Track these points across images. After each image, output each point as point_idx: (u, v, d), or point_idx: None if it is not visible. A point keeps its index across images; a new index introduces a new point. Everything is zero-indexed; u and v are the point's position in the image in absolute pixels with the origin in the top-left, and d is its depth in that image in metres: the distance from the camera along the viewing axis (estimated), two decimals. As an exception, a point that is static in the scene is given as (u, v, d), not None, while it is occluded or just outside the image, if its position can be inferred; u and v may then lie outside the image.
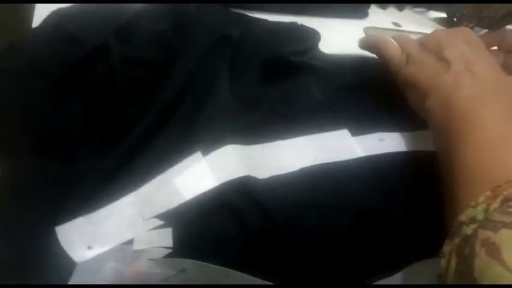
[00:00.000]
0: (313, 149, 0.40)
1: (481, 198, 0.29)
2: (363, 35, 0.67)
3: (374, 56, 0.49)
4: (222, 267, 0.32)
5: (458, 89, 0.36)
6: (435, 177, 0.37)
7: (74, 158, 0.36)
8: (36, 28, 0.44)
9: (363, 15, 0.71)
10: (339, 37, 0.61)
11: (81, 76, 0.40)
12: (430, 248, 0.35)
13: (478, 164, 0.31)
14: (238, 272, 0.32)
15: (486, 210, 0.28)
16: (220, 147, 0.36)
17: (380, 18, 0.72)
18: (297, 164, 0.38)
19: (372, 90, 0.48)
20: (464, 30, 0.42)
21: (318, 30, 0.58)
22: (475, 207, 0.29)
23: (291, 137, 0.40)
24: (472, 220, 0.28)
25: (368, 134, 0.43)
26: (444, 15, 0.79)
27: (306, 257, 0.34)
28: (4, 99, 0.40)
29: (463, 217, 0.29)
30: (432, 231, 0.35)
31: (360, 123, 0.43)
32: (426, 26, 0.75)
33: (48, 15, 0.44)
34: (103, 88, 0.40)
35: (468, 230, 0.28)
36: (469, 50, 0.39)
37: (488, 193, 0.29)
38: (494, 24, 0.73)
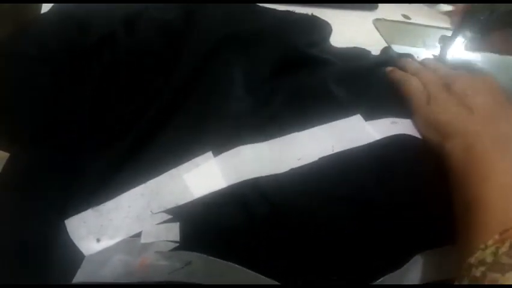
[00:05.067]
0: (329, 138, 0.39)
1: (490, 242, 0.29)
2: (372, 26, 0.67)
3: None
4: (227, 262, 0.32)
5: (479, 135, 0.36)
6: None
7: (82, 148, 0.36)
8: (45, 13, 0.43)
9: (373, 6, 0.70)
10: (348, 28, 0.61)
11: (88, 64, 0.40)
12: (433, 239, 0.36)
13: (492, 208, 0.32)
14: (242, 268, 0.32)
15: (495, 254, 0.28)
16: (231, 149, 0.36)
17: (389, 10, 0.72)
18: (315, 153, 0.38)
19: (383, 79, 0.48)
20: (490, 82, 0.42)
21: (328, 21, 0.57)
22: (484, 249, 0.29)
23: (307, 128, 0.40)
24: (481, 262, 0.29)
25: (380, 118, 0.43)
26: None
27: (310, 251, 0.34)
28: (9, 84, 0.39)
29: (472, 259, 0.30)
30: (436, 221, 0.36)
31: (372, 110, 0.43)
32: (436, 18, 0.75)
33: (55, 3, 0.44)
34: (110, 77, 0.40)
35: (477, 272, 0.29)
36: (491, 101, 0.40)
37: (496, 236, 0.29)
38: (505, 18, 0.72)
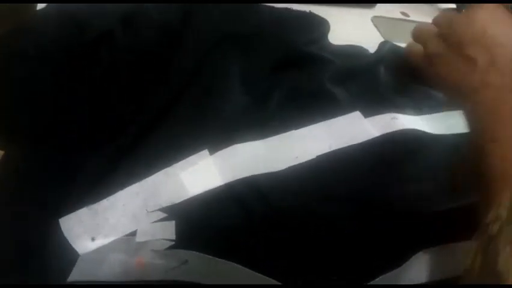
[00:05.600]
0: (328, 135, 0.40)
1: (504, 198, 0.29)
2: (371, 24, 0.66)
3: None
4: (224, 260, 0.32)
5: (486, 87, 0.35)
6: (445, 160, 0.38)
7: (78, 146, 0.36)
8: (42, 10, 0.43)
9: (371, 4, 0.70)
10: (347, 26, 0.61)
11: (87, 64, 0.40)
12: (433, 237, 0.36)
13: (505, 163, 0.31)
14: (239, 266, 0.32)
15: (510, 208, 0.28)
16: (228, 146, 0.36)
17: (388, 7, 0.71)
18: (313, 151, 0.38)
19: (381, 76, 0.48)
20: (487, 12, 0.37)
21: (326, 18, 0.57)
22: (498, 206, 0.29)
23: (305, 125, 0.40)
24: (497, 218, 0.28)
25: (380, 114, 0.43)
26: (453, 5, 0.78)
27: (307, 249, 0.34)
28: (8, 84, 0.39)
29: (488, 218, 0.29)
30: (436, 219, 0.36)
31: (372, 106, 0.43)
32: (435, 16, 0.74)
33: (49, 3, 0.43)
34: (108, 77, 0.39)
35: (493, 229, 0.28)
36: (492, 41, 0.36)
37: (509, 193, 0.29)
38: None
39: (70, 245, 0.30)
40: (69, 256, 0.30)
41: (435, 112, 0.47)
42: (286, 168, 0.36)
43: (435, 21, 0.41)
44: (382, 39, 0.62)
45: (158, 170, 0.34)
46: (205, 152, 0.35)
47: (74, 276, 0.30)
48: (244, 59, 0.44)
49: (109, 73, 0.39)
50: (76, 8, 0.44)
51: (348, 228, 0.35)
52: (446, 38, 0.38)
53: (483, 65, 0.35)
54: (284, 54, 0.47)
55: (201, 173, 0.34)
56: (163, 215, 0.32)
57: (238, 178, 0.34)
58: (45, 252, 0.30)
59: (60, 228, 0.30)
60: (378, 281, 0.34)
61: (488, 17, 0.37)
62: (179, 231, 0.32)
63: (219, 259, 0.32)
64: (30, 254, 0.30)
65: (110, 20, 0.43)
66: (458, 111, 0.41)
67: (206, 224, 0.33)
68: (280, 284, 0.32)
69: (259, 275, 0.32)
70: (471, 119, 0.36)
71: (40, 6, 0.46)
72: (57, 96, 0.38)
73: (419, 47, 0.41)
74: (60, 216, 0.30)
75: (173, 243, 0.31)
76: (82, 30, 0.41)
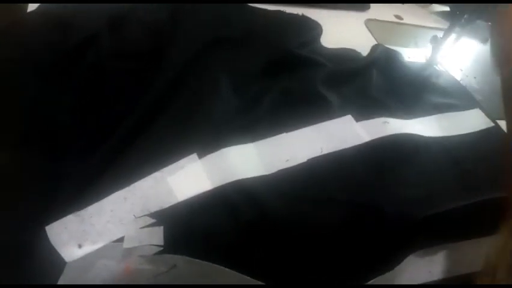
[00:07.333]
0: (319, 139, 0.39)
1: None
2: (364, 27, 0.66)
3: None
4: (212, 264, 0.31)
5: None
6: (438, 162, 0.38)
7: (64, 151, 0.35)
8: (28, 14, 0.43)
9: (365, 7, 0.70)
10: (340, 29, 0.61)
11: (71, 67, 0.40)
12: (425, 239, 0.36)
13: None
14: (227, 269, 0.31)
15: None
16: (217, 150, 0.36)
17: (381, 10, 0.71)
18: (304, 155, 0.38)
19: (373, 79, 0.48)
20: None
21: (319, 21, 0.57)
22: None
23: (296, 129, 0.40)
24: None
25: (371, 119, 0.43)
26: (447, 8, 0.78)
27: (299, 253, 0.34)
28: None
29: None
30: (427, 222, 0.35)
31: (364, 110, 0.43)
32: (428, 19, 0.74)
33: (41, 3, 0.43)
34: (93, 80, 0.39)
35: None
36: None
37: None
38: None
39: (57, 252, 0.30)
40: (56, 263, 0.29)
41: (428, 115, 0.47)
42: (276, 172, 0.36)
43: None
44: (376, 43, 0.62)
45: (147, 175, 0.33)
46: (194, 156, 0.35)
47: (62, 283, 0.29)
48: (235, 62, 0.44)
49: (95, 77, 0.39)
50: (63, 9, 0.44)
51: (338, 231, 0.35)
52: None
53: None
54: (275, 57, 0.47)
55: (190, 177, 0.34)
56: (151, 220, 0.32)
57: (227, 182, 0.34)
58: (32, 259, 0.30)
59: (46, 235, 0.30)
60: (371, 283, 0.33)
61: None
62: (168, 236, 0.31)
63: (208, 263, 0.31)
64: (16, 262, 0.30)
65: (97, 22, 0.42)
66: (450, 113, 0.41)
67: (195, 229, 0.32)
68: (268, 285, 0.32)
69: (248, 277, 0.32)
70: None
71: (32, 6, 0.46)
72: (42, 101, 0.38)
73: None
74: (47, 223, 0.30)
75: (162, 248, 0.31)
76: (69, 34, 0.41)
